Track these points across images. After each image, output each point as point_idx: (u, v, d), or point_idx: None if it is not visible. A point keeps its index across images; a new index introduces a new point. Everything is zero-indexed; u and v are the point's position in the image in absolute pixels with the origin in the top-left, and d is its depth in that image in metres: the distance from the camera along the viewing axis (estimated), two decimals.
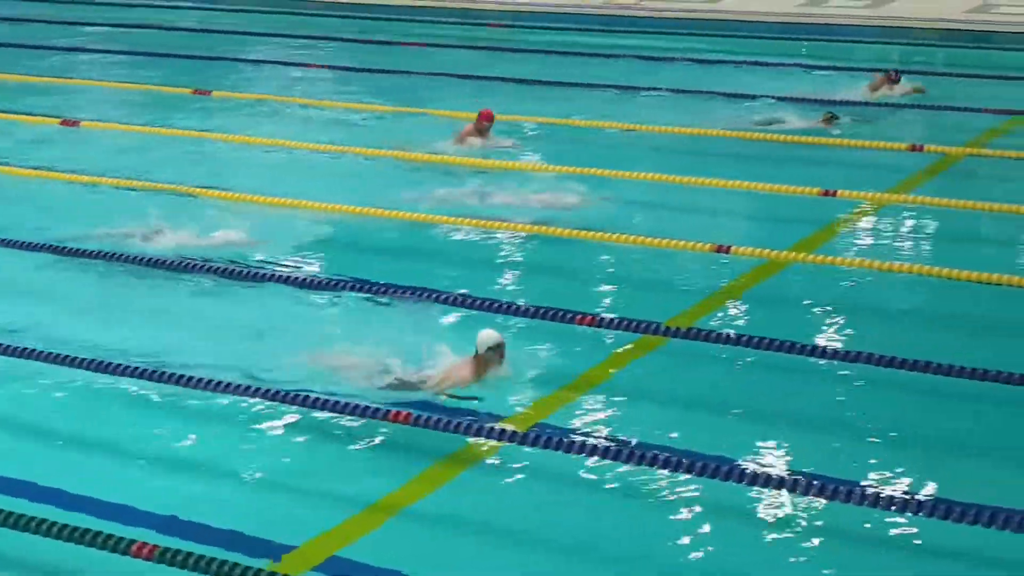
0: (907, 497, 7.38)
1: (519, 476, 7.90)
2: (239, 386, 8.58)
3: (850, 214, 12.83)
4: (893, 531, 7.23)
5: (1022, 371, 8.75)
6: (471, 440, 8.17)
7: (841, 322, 10.32)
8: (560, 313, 9.96)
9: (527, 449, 7.97)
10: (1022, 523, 6.93)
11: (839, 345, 9.72)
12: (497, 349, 8.83)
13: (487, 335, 8.88)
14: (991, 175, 14.40)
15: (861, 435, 8.40)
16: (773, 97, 17.14)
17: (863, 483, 7.65)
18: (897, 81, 17.67)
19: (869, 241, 12.31)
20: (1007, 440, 8.37)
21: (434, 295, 10.32)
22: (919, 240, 12.56)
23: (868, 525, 7.26)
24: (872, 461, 7.99)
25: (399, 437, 8.18)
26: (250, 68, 20.71)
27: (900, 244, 12.29)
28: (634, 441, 8.14)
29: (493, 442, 8.11)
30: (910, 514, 7.22)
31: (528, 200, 13.02)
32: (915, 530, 7.22)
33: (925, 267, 10.99)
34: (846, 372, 9.18)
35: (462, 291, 10.52)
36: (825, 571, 6.94)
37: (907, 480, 7.79)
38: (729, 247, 11.37)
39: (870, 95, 17.63)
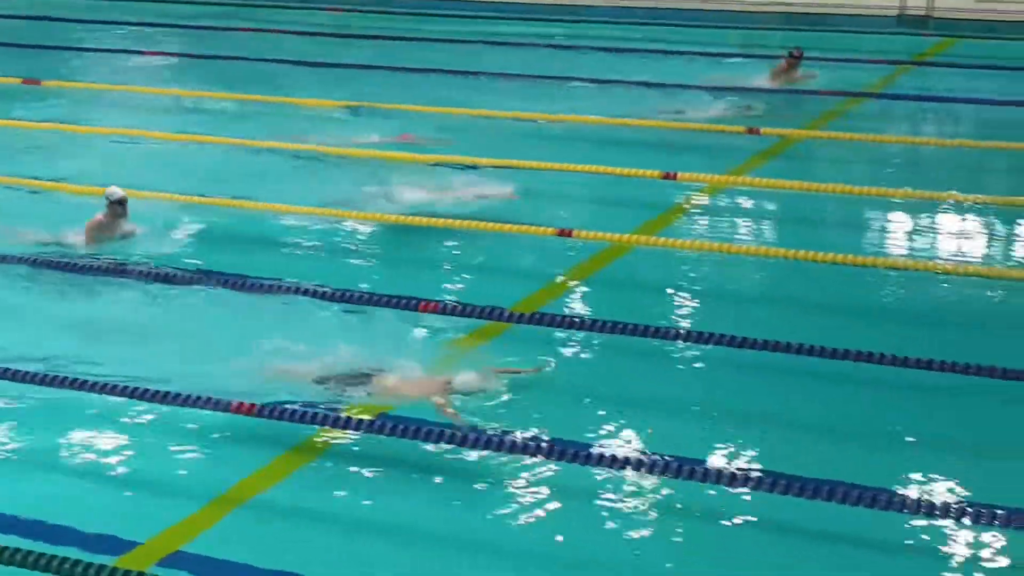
0: (755, 474, 7.51)
1: (369, 465, 7.85)
2: (75, 380, 8.40)
3: (690, 196, 12.95)
4: (739, 507, 7.32)
5: (861, 349, 8.92)
6: (319, 429, 8.10)
7: (685, 303, 10.42)
8: (404, 300, 9.92)
9: (377, 437, 7.92)
10: (863, 497, 7.08)
11: (685, 326, 9.81)
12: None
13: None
14: (827, 157, 14.70)
15: (707, 415, 8.50)
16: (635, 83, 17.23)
17: (710, 461, 7.75)
18: (799, 58, 17.51)
19: (709, 223, 12.41)
20: (852, 418, 8.50)
21: (276, 286, 10.22)
22: (760, 222, 12.70)
23: (716, 502, 7.35)
24: (718, 440, 8.08)
25: (244, 428, 8.08)
26: (81, 56, 20.26)
27: (741, 226, 12.41)
28: (490, 427, 8.13)
29: (341, 431, 8.05)
30: (757, 490, 7.34)
31: (383, 188, 12.91)
32: (759, 505, 7.31)
33: (763, 248, 11.17)
34: (694, 353, 9.27)
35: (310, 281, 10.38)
36: (677, 549, 7.03)
37: (754, 457, 7.90)
38: (572, 231, 11.43)
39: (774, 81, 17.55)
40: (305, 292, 10.06)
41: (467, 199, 12.60)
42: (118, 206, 11.39)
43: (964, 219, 12.49)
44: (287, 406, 8.10)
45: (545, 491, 7.51)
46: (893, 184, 12.96)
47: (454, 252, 11.54)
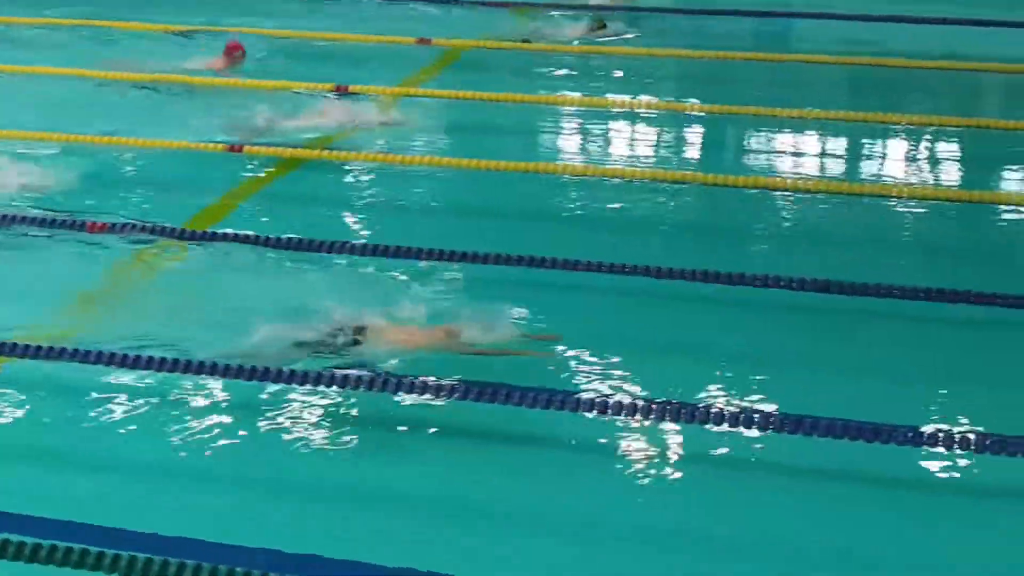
0: None
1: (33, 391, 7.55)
2: None
3: (362, 109, 12.82)
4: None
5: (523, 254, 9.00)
6: None
7: (360, 216, 10.35)
8: (71, 222, 9.55)
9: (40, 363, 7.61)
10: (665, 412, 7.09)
11: (362, 240, 9.72)
12: None
13: None
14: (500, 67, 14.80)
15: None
16: None
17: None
18: None
19: (384, 134, 12.32)
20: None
21: None
22: (435, 133, 12.65)
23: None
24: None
25: None
26: None
27: (415, 136, 12.33)
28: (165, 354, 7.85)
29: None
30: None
31: None
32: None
33: (446, 159, 11.16)
34: (369, 268, 9.18)
35: None
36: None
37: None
38: (242, 146, 11.18)
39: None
40: None
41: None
42: None
43: (629, 124, 12.81)
44: None
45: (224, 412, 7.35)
46: (560, 90, 13.13)
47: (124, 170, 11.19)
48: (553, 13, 17.00)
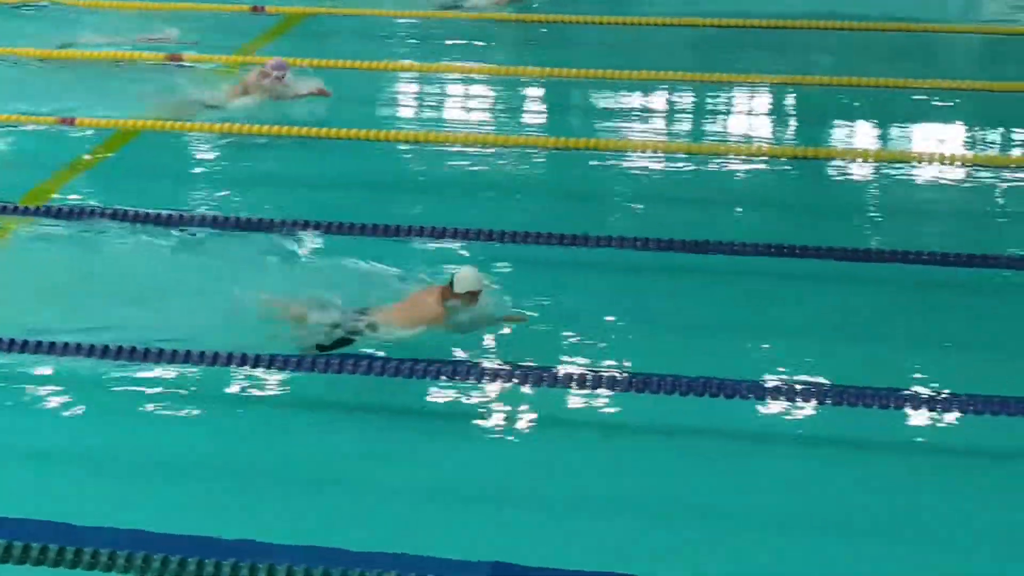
0: None
1: None
2: None
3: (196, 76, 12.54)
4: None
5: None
6: None
7: (204, 187, 10.15)
8: None
9: None
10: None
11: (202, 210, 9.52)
12: None
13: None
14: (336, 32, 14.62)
15: None
16: None
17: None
18: None
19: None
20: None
21: None
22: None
23: None
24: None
25: None
26: None
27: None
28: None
29: None
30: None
31: None
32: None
33: (305, 128, 11.00)
34: (218, 242, 8.97)
35: None
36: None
37: None
38: (74, 119, 10.89)
39: None
40: None
41: None
42: None
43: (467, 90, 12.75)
44: None
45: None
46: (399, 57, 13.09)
47: None
48: None
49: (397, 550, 5.64)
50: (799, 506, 6.40)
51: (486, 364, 7.30)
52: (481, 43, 14.14)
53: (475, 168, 10.53)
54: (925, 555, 6.04)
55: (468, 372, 7.15)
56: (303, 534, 5.83)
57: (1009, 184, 10.31)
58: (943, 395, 7.01)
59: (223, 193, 10.01)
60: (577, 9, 14.81)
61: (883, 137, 11.56)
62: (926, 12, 14.72)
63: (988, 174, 10.43)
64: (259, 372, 7.23)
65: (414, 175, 10.49)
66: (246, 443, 6.90)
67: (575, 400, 7.18)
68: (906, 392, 7.04)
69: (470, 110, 12.43)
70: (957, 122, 11.90)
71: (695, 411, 6.96)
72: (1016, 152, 11.25)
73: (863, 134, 11.61)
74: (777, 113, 12.24)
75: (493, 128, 11.62)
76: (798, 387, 7.08)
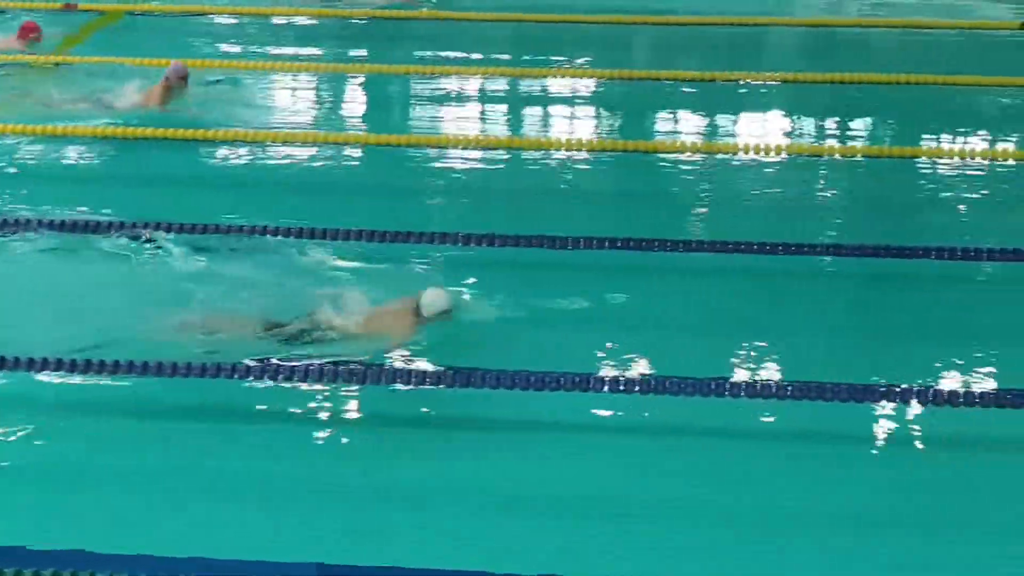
0: None
1: None
2: None
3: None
4: None
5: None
6: None
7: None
8: None
9: None
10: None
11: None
12: None
13: None
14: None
15: None
16: None
17: None
18: None
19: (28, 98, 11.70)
20: None
21: None
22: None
23: None
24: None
25: None
26: None
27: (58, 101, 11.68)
28: None
29: None
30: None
31: None
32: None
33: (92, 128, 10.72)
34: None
35: None
36: None
37: None
38: None
39: None
40: None
41: None
42: None
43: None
44: None
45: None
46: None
47: None
48: None
49: None
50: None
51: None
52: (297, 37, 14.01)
53: (294, 162, 10.37)
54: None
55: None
56: None
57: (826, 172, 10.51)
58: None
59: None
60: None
61: (706, 128, 11.68)
62: (745, 6, 14.95)
63: (805, 162, 10.62)
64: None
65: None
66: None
67: None
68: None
69: (289, 105, 12.20)
70: (777, 112, 12.08)
71: None
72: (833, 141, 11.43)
73: (686, 126, 11.72)
74: (599, 106, 12.31)
75: (303, 124, 11.45)
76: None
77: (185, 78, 11.35)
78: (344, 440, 6.77)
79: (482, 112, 12.19)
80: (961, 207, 9.89)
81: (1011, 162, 10.60)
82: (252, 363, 7.02)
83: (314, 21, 14.67)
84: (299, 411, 6.91)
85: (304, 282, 8.07)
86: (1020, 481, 6.52)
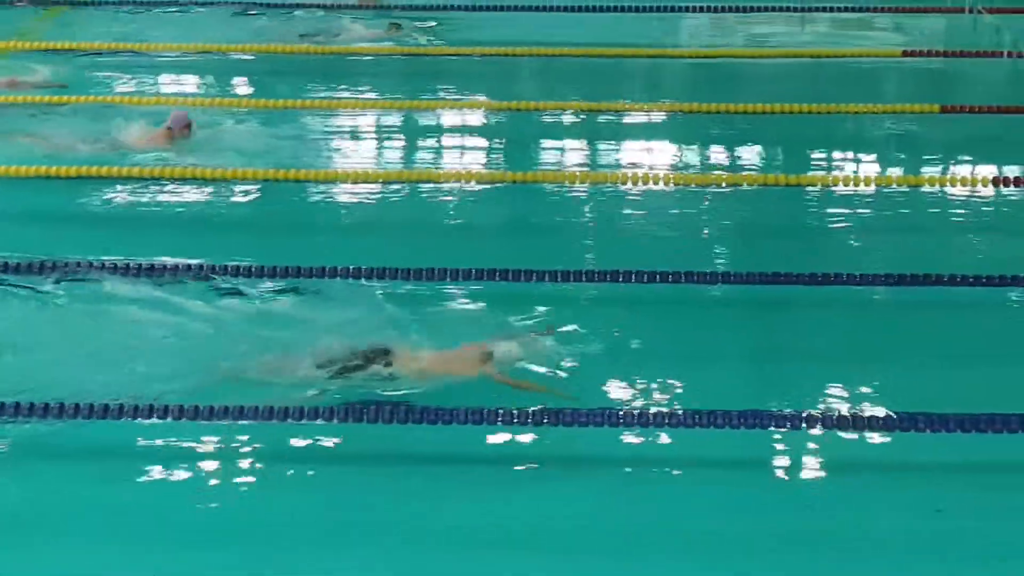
0: None
1: None
2: None
3: None
4: None
5: None
6: None
7: None
8: None
9: None
10: None
11: None
12: None
13: None
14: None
15: None
16: None
17: None
18: None
19: None
20: None
21: None
22: None
23: None
24: None
25: None
26: None
27: None
28: None
29: None
30: None
31: None
32: None
33: None
34: None
35: None
36: None
37: None
38: None
39: None
40: None
41: None
42: None
43: None
44: None
45: None
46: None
47: None
48: None
49: None
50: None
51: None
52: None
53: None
54: None
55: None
56: None
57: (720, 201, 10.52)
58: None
59: None
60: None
61: (593, 158, 11.66)
62: (631, 38, 14.98)
63: (693, 192, 10.61)
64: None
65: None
66: None
67: None
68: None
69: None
70: (665, 141, 12.10)
71: None
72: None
73: (573, 157, 11.68)
74: (486, 137, 12.25)
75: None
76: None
77: (189, 126, 10.96)
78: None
79: (369, 145, 12.09)
80: (850, 233, 9.95)
81: (896, 187, 10.69)
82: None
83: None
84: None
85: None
86: (913, 502, 6.55)
